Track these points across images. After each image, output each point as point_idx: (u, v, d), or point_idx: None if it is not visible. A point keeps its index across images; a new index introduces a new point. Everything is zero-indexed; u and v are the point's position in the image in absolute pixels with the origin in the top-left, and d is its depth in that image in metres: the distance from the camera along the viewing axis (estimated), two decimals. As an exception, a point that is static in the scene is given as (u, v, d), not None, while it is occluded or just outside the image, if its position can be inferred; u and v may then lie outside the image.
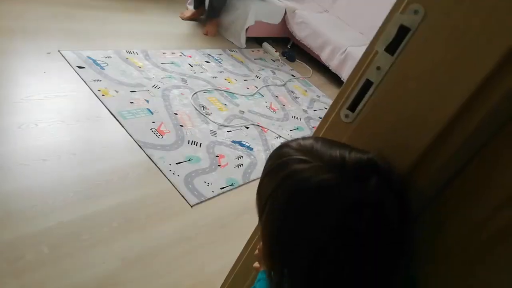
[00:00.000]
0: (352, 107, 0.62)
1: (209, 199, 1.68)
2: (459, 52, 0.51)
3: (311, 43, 3.32)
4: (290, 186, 0.48)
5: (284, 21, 3.42)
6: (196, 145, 1.92)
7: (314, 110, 2.78)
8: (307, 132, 2.47)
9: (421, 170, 0.56)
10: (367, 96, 0.60)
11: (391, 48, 0.56)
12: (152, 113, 1.98)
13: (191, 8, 3.28)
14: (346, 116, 0.63)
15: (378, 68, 0.58)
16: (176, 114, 2.07)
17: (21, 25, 2.15)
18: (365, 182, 0.45)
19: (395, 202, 0.47)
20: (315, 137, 0.55)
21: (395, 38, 0.56)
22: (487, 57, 0.49)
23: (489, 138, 0.53)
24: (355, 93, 0.61)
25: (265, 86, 2.81)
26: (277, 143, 2.24)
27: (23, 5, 2.31)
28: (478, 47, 0.49)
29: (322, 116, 2.57)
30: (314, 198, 0.46)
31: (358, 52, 3.09)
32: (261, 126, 2.32)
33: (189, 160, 1.81)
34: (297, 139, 0.54)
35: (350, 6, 3.67)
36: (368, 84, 0.60)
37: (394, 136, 0.58)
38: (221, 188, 1.76)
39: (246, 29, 3.17)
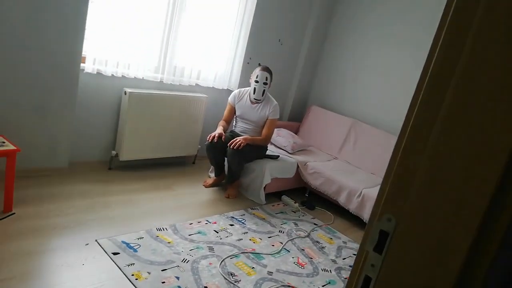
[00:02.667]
0: (360, 301, 0.70)
1: None
2: (431, 252, 0.61)
3: (327, 189, 3.50)
4: None
5: (298, 173, 3.69)
6: (229, 320, 1.89)
7: (343, 259, 2.76)
8: (340, 285, 2.40)
9: None
10: (369, 291, 0.68)
11: (378, 248, 0.67)
12: (183, 290, 2.02)
13: (212, 176, 3.63)
14: (357, 309, 0.70)
15: (372, 265, 0.68)
16: (206, 287, 2.10)
17: (62, 221, 2.41)
18: None
19: None
20: None
21: (379, 240, 0.67)
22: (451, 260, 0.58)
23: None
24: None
25: (290, 240, 2.87)
26: (310, 303, 2.17)
27: (62, 202, 2.63)
28: (444, 249, 0.59)
29: (353, 264, 2.48)
30: None
31: (373, 193, 3.22)
32: (292, 286, 2.29)
33: (223, 338, 1.76)
34: None
35: (356, 151, 3.98)
36: (368, 279, 0.68)
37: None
38: None
39: (264, 187, 3.41)
